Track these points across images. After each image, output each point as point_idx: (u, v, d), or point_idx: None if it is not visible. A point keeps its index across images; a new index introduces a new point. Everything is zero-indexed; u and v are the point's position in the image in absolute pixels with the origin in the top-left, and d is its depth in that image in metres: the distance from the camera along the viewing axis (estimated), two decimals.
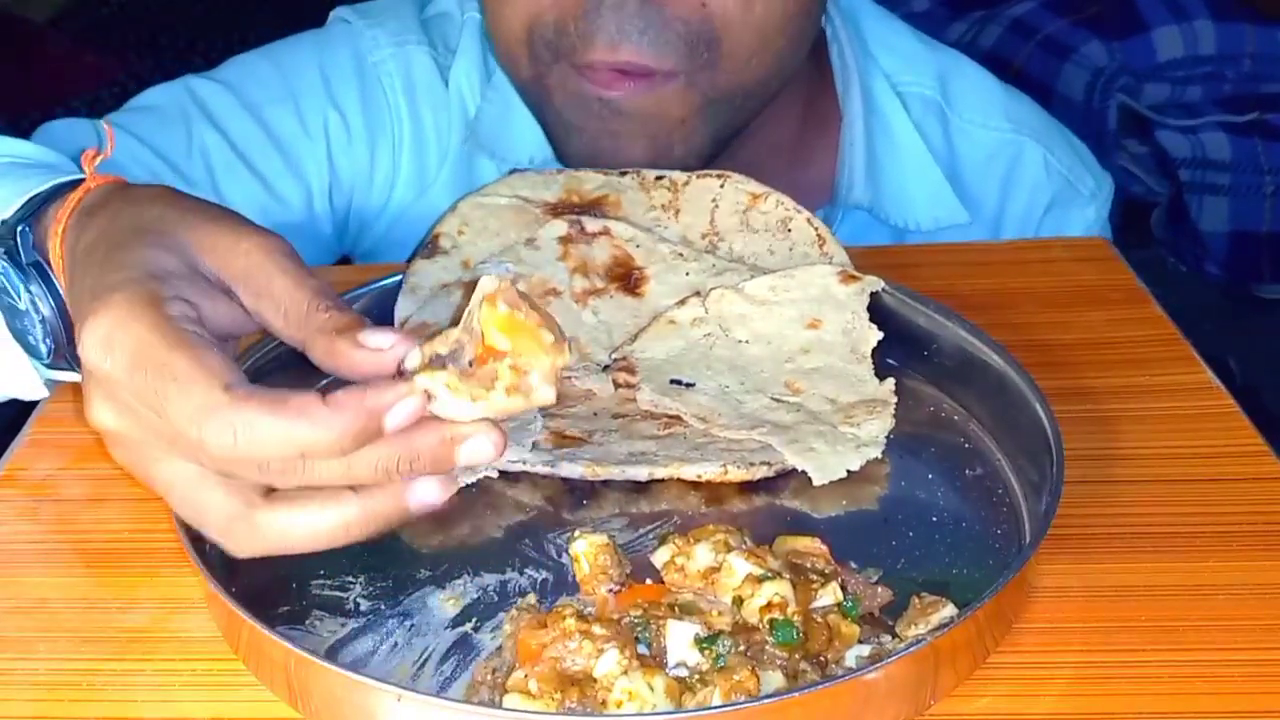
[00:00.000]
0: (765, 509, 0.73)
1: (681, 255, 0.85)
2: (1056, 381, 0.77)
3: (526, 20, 0.92)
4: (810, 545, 0.66)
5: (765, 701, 0.56)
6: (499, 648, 0.63)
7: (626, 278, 0.85)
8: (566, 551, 0.67)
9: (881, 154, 1.09)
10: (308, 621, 0.65)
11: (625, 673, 0.57)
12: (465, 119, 1.10)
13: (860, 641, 0.62)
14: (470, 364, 0.55)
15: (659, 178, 0.89)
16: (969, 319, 0.80)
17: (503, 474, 0.74)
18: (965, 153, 1.13)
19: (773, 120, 1.04)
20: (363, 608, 0.66)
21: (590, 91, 0.92)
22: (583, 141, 0.95)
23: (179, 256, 0.59)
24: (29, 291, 0.69)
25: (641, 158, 0.93)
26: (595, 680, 0.58)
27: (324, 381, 0.82)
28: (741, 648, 0.60)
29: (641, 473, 0.73)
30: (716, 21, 0.89)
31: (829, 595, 0.63)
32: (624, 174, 0.89)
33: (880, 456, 0.74)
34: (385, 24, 1.12)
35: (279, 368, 0.80)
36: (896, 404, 0.78)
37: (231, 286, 0.60)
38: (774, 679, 0.59)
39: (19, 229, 0.69)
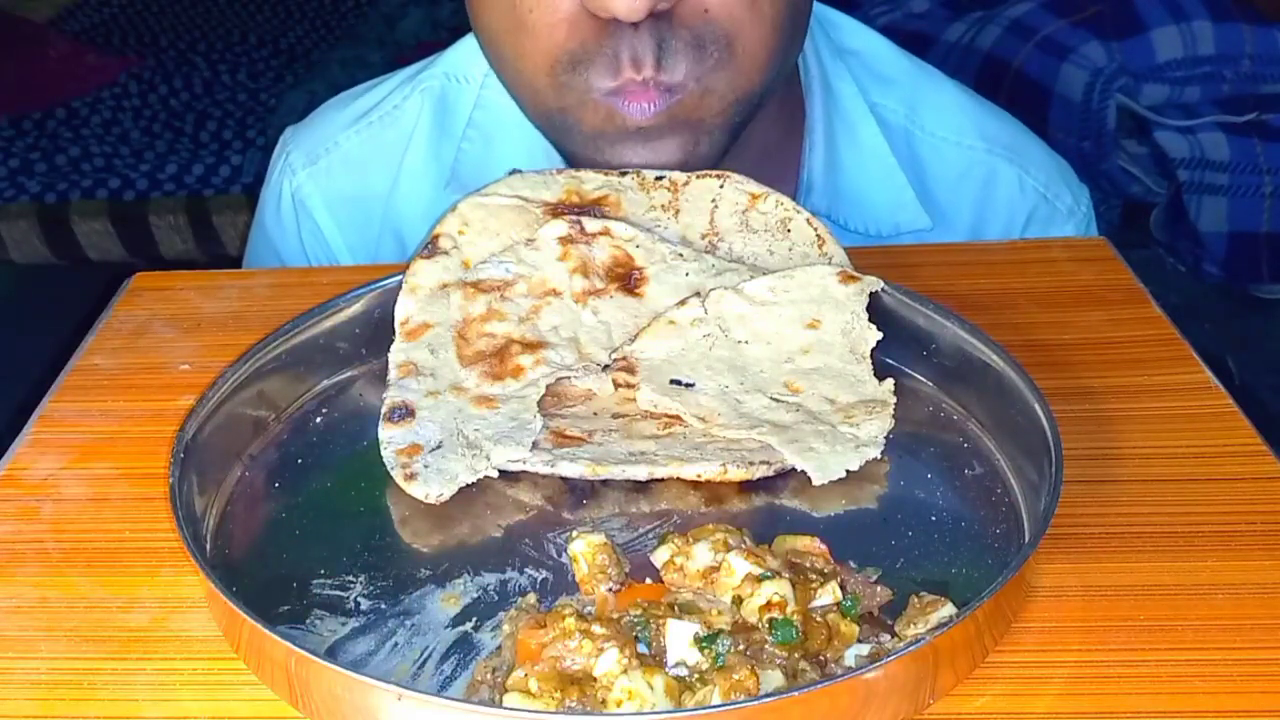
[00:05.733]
0: (765, 509, 0.73)
1: (681, 255, 0.85)
2: (1056, 381, 0.78)
3: (549, 54, 0.90)
4: (809, 545, 0.66)
5: (765, 700, 0.56)
6: (499, 647, 0.63)
7: (626, 278, 0.85)
8: (566, 551, 0.67)
9: (843, 155, 1.08)
10: (308, 621, 0.65)
11: (625, 672, 0.57)
12: (437, 179, 1.11)
13: (859, 641, 0.62)
14: None
15: (659, 178, 0.89)
16: (968, 319, 0.80)
17: (503, 474, 0.74)
18: (935, 169, 1.12)
19: (756, 123, 1.04)
20: (363, 607, 0.66)
21: (623, 114, 0.90)
22: (614, 157, 0.93)
23: None
24: None
25: (673, 164, 0.92)
26: (595, 679, 0.58)
27: (322, 385, 0.83)
28: (741, 647, 0.60)
29: (641, 472, 0.74)
30: (724, 23, 0.88)
31: (828, 595, 0.63)
32: (624, 174, 0.89)
33: (880, 456, 0.74)
34: (308, 138, 1.17)
35: (279, 368, 0.80)
36: (896, 404, 0.78)
37: None
38: (773, 678, 0.59)
39: None
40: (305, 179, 1.15)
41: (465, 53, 1.14)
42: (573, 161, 0.99)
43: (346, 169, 1.15)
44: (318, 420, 0.81)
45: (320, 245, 1.15)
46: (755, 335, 0.82)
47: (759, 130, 1.01)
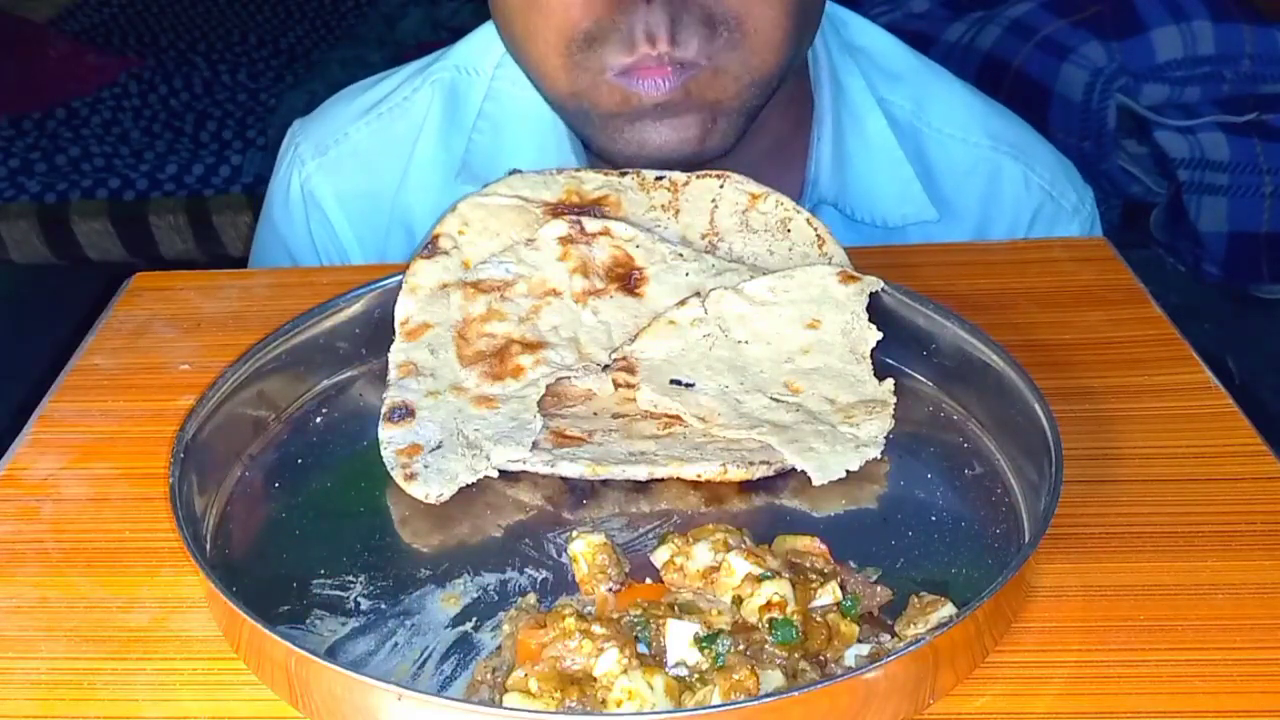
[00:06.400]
0: (765, 509, 0.73)
1: (681, 255, 0.85)
2: (1056, 381, 0.78)
3: (563, 33, 0.91)
4: (809, 545, 0.66)
5: (765, 700, 0.56)
6: (499, 647, 0.63)
7: (626, 278, 0.85)
8: (566, 551, 0.67)
9: (851, 148, 1.09)
10: (308, 621, 0.65)
11: (625, 672, 0.57)
12: (447, 170, 1.11)
13: (859, 641, 0.62)
14: None
15: (659, 178, 0.89)
16: (968, 319, 0.80)
17: (503, 474, 0.74)
18: (942, 165, 1.12)
19: (766, 113, 1.04)
20: (363, 607, 0.66)
21: (637, 93, 0.91)
22: (632, 138, 0.94)
23: None
24: None
25: (690, 145, 0.93)
26: (595, 679, 0.58)
27: (322, 385, 0.83)
28: (741, 647, 0.60)
29: (641, 472, 0.74)
30: (735, 2, 0.90)
31: (828, 595, 0.63)
32: (624, 174, 0.89)
33: (880, 456, 0.74)
34: (317, 130, 1.17)
35: (279, 368, 0.80)
36: (896, 404, 0.78)
37: None
38: (773, 678, 0.59)
39: None
40: (314, 170, 1.14)
41: (476, 45, 1.14)
42: (590, 147, 1.00)
43: (356, 160, 1.14)
44: (318, 420, 0.81)
45: (329, 237, 1.15)
46: (755, 335, 0.82)
47: (768, 122, 1.02)
